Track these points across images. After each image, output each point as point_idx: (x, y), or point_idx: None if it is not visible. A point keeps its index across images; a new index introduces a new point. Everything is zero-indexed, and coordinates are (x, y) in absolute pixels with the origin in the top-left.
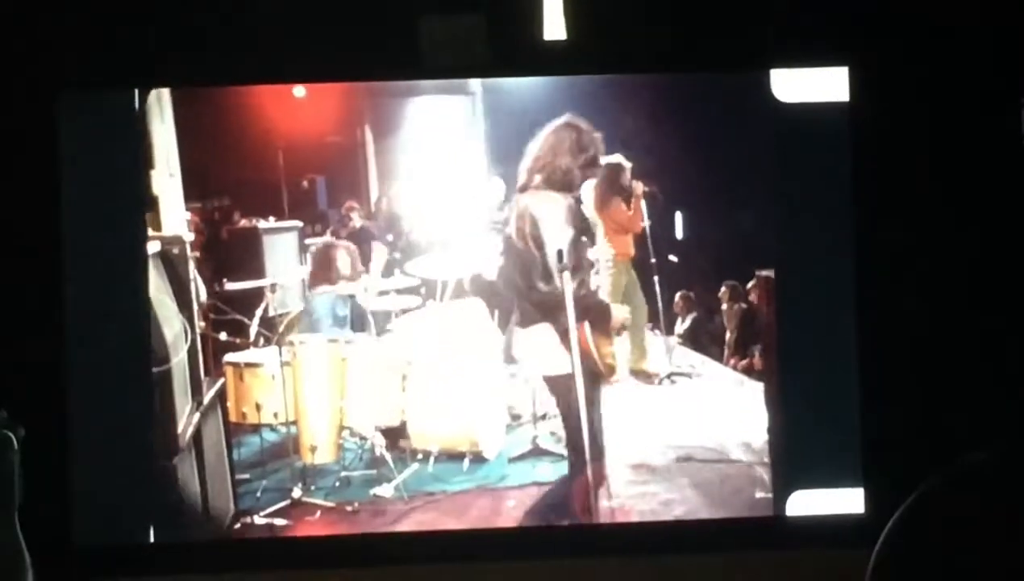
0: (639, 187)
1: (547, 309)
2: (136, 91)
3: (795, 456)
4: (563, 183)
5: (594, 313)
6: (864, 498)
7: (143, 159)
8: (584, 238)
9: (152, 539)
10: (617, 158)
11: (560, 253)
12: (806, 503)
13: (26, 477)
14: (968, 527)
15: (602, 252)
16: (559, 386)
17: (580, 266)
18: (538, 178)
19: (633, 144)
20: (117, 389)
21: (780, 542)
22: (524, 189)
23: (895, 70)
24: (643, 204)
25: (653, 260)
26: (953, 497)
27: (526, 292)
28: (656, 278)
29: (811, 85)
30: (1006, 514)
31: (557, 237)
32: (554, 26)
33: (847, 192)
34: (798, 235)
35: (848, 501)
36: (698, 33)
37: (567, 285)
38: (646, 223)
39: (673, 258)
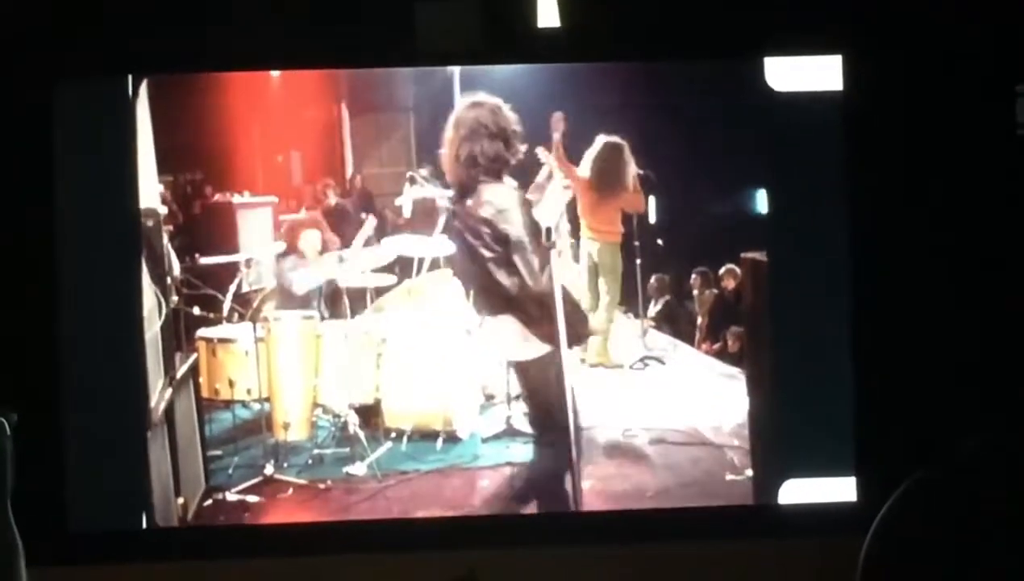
0: (634, 169)
1: (508, 299)
2: (130, 78)
3: (788, 444)
4: (496, 170)
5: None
6: (856, 486)
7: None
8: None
9: (144, 525)
10: (616, 138)
11: (548, 230)
12: (799, 491)
13: (18, 462)
14: (959, 514)
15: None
16: (524, 371)
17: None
18: (472, 171)
19: (627, 131)
20: (110, 373)
21: (773, 530)
22: (461, 182)
23: (889, 58)
24: (637, 185)
25: (637, 242)
26: (944, 485)
27: (488, 283)
28: (639, 261)
29: (805, 73)
30: (996, 501)
31: (512, 228)
32: (548, 13)
33: (840, 180)
34: (791, 222)
35: (841, 489)
36: (692, 21)
37: (555, 262)
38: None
39: (659, 242)
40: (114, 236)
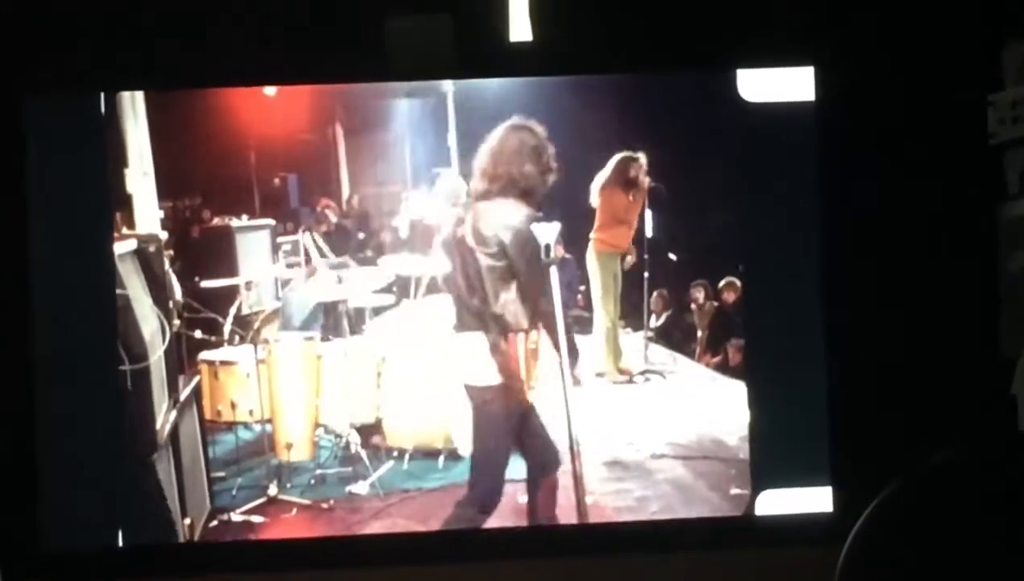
0: (646, 182)
1: (481, 319)
2: (102, 95)
3: (764, 455)
4: (524, 190)
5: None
6: (832, 497)
7: (116, 158)
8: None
9: (120, 543)
10: (629, 153)
11: (547, 247)
12: (775, 502)
13: None
14: (934, 525)
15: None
16: (478, 397)
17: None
18: (496, 186)
19: (599, 145)
20: (85, 392)
21: (749, 541)
22: (483, 197)
23: (861, 70)
24: (645, 199)
25: (646, 256)
26: (920, 496)
27: (466, 298)
28: (646, 275)
29: (777, 85)
30: (971, 511)
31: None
32: (520, 27)
33: (813, 192)
34: (765, 234)
35: (817, 500)
36: (663, 33)
37: (554, 279)
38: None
39: (671, 256)
40: (91, 257)
